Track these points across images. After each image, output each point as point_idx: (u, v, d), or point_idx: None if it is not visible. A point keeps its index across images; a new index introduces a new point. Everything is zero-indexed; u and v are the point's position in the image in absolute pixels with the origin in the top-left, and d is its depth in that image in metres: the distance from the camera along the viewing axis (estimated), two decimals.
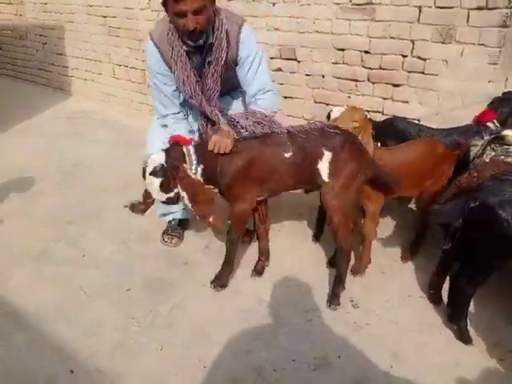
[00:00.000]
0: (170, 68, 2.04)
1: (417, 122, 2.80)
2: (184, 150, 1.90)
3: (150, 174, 1.83)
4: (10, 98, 5.68)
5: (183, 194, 1.84)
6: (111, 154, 3.76)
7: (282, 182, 2.02)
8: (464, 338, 1.86)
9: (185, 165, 1.86)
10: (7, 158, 3.68)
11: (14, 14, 6.19)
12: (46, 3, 5.58)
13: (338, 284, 2.08)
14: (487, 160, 2.10)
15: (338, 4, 3.03)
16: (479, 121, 2.40)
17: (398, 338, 1.89)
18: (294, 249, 2.49)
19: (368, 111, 3.07)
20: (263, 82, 2.10)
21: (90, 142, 4.13)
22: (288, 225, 2.72)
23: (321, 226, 2.55)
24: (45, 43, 5.87)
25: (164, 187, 1.85)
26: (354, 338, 1.87)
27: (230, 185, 1.95)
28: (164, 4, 1.83)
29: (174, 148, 1.91)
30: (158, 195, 1.88)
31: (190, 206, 1.86)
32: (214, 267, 2.27)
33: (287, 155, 1.95)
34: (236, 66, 2.08)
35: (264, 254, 2.31)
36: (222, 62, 2.01)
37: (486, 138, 2.15)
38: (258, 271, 2.27)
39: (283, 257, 2.42)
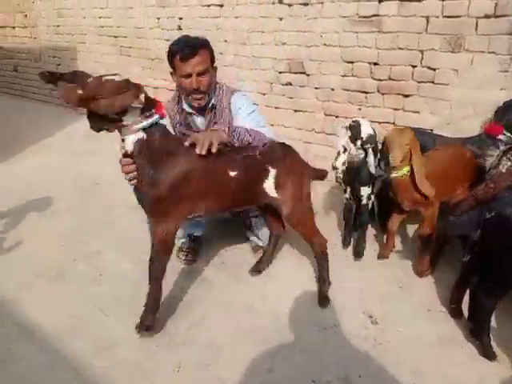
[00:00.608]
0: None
1: (429, 131, 2.80)
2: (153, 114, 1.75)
3: None
4: (25, 118, 5.82)
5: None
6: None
7: (222, 201, 1.93)
8: (487, 353, 1.82)
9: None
10: (25, 178, 3.76)
11: (28, 36, 6.37)
12: (58, 25, 5.73)
13: (324, 284, 2.17)
14: (503, 170, 2.08)
15: (344, 17, 3.05)
16: (489, 134, 2.39)
17: (418, 354, 1.85)
18: (308, 264, 2.47)
19: (379, 122, 3.08)
20: (258, 121, 2.19)
21: (105, 161, 4.15)
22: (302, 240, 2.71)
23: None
24: (58, 64, 6.01)
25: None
26: (374, 356, 1.84)
27: (160, 197, 1.75)
28: (172, 67, 2.11)
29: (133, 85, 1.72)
30: None
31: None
32: (230, 284, 2.29)
33: (232, 174, 1.87)
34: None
35: None
36: (226, 122, 2.17)
37: (502, 148, 2.13)
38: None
39: (298, 272, 2.42)
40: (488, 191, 1.89)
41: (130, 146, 1.73)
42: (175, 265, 2.48)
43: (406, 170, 2.08)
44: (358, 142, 2.17)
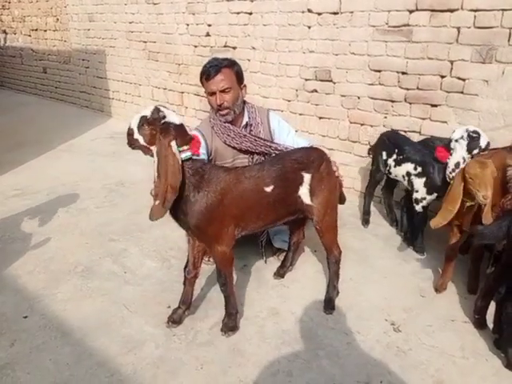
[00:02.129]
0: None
1: None
2: (187, 150, 1.76)
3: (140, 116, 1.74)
4: (54, 118, 5.99)
5: (155, 158, 1.71)
6: (152, 172, 3.85)
7: (265, 218, 1.95)
8: None
9: (174, 142, 1.68)
10: (55, 175, 3.88)
11: (59, 39, 6.57)
12: (89, 29, 5.89)
13: (332, 289, 2.17)
14: None
15: (374, 26, 3.06)
16: None
17: (441, 364, 1.83)
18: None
19: (405, 131, 3.07)
20: (306, 141, 2.45)
21: (131, 162, 4.26)
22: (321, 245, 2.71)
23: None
24: (87, 67, 6.17)
25: (144, 132, 1.72)
26: (397, 364, 1.83)
27: (201, 226, 1.80)
28: (203, 87, 2.27)
29: (184, 130, 1.75)
30: (135, 135, 1.75)
31: (155, 173, 1.71)
32: (252, 286, 2.31)
33: (268, 189, 1.89)
34: (272, 139, 2.38)
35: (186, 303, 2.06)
36: (262, 136, 2.30)
37: None
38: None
39: (320, 278, 2.42)
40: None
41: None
42: None
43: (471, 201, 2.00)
44: (475, 151, 2.20)
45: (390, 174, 2.70)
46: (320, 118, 3.58)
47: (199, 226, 1.80)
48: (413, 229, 2.66)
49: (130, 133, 1.78)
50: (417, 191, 2.50)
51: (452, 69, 2.79)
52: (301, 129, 3.72)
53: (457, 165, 2.22)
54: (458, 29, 2.71)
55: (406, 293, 2.30)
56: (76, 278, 2.40)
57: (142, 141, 1.75)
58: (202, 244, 1.97)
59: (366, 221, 2.99)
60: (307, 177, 1.95)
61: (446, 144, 2.31)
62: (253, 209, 1.90)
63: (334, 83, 3.40)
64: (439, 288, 2.29)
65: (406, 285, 2.37)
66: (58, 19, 6.44)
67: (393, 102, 3.11)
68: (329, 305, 2.15)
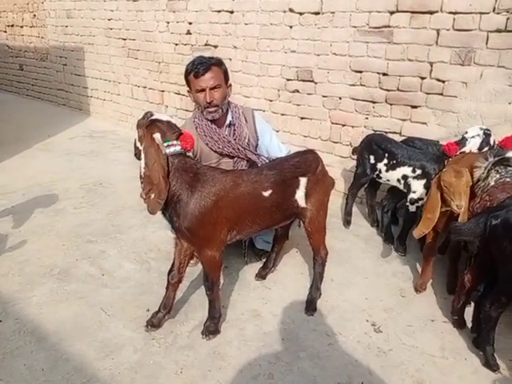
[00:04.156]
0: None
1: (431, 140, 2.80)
2: (176, 145, 1.74)
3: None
4: (31, 117, 5.85)
5: (142, 154, 1.71)
6: (131, 172, 3.75)
7: (261, 222, 1.94)
8: (491, 365, 1.81)
9: (157, 135, 1.68)
10: (32, 175, 3.78)
11: (36, 36, 6.41)
12: (66, 26, 5.77)
13: (315, 291, 2.17)
14: (492, 183, 2.07)
15: (355, 27, 3.07)
16: (502, 147, 2.40)
17: (421, 364, 1.84)
18: (311, 271, 2.45)
19: (386, 132, 3.09)
20: (287, 149, 2.49)
21: (110, 161, 4.20)
22: (304, 246, 2.71)
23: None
24: (65, 64, 6.04)
25: (139, 136, 1.77)
26: (378, 364, 1.83)
27: (193, 229, 1.76)
28: (188, 86, 2.26)
29: (171, 126, 1.75)
30: (137, 144, 1.79)
31: (141, 170, 1.71)
32: (234, 288, 2.28)
33: (266, 194, 1.88)
34: (257, 141, 2.41)
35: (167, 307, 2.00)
36: (246, 139, 2.31)
37: (491, 160, 2.12)
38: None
39: (302, 279, 2.41)
40: (485, 204, 1.90)
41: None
42: None
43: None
44: (486, 149, 2.27)
45: (380, 177, 2.71)
46: (302, 118, 3.57)
47: (191, 228, 1.76)
48: (402, 228, 2.68)
49: (135, 144, 1.81)
50: (414, 192, 2.51)
51: (432, 70, 2.82)
52: (282, 129, 3.72)
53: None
54: (438, 31, 2.73)
55: (386, 293, 2.31)
56: (52, 281, 2.33)
57: (140, 147, 1.76)
58: (190, 249, 1.94)
59: (347, 221, 2.99)
60: (303, 180, 1.97)
61: (460, 140, 2.33)
62: (249, 213, 1.88)
63: (316, 83, 3.40)
64: (419, 288, 2.31)
65: (387, 285, 2.38)
66: (34, 15, 6.28)
67: (374, 102, 3.13)
68: (310, 306, 2.14)
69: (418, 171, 2.47)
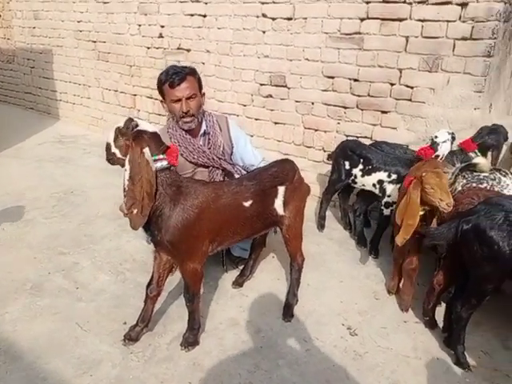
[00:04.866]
0: None
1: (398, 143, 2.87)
2: (163, 159, 1.72)
3: (115, 128, 1.74)
4: None
5: (127, 166, 1.65)
6: (103, 179, 3.73)
7: (242, 232, 1.96)
8: (461, 363, 1.89)
9: (147, 149, 1.65)
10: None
11: (1, 37, 6.20)
12: (34, 27, 5.61)
13: (292, 297, 2.20)
14: (459, 188, 2.15)
15: (327, 33, 3.12)
16: (462, 149, 2.51)
17: (396, 366, 1.90)
18: (287, 277, 2.48)
19: (357, 137, 3.15)
20: (261, 155, 2.55)
21: (82, 168, 4.12)
22: (281, 252, 2.73)
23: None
24: (32, 67, 5.87)
25: (120, 144, 1.72)
26: (354, 367, 1.88)
27: (175, 242, 1.76)
28: (162, 96, 2.25)
29: (158, 139, 1.73)
30: (111, 146, 1.75)
31: (125, 183, 1.67)
32: (211, 297, 2.28)
33: (247, 204, 1.90)
34: (232, 148, 2.41)
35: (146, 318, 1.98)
36: (221, 147, 2.31)
37: (458, 165, 2.20)
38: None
39: (278, 285, 2.44)
40: (451, 210, 1.96)
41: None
42: None
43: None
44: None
45: (356, 183, 2.75)
46: (275, 123, 3.60)
47: (173, 241, 1.75)
48: (376, 231, 2.74)
49: (107, 147, 1.76)
50: (389, 196, 2.57)
51: (401, 77, 2.89)
52: (256, 134, 3.74)
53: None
54: (407, 38, 2.81)
55: (361, 296, 2.37)
56: (24, 297, 2.27)
57: (118, 153, 1.73)
58: (169, 262, 1.93)
59: (321, 225, 3.04)
60: (282, 189, 2.00)
61: (431, 145, 2.40)
62: (230, 224, 1.90)
63: (289, 88, 3.43)
64: (391, 290, 2.37)
65: (361, 288, 2.44)
66: (0, 15, 6.08)
67: (345, 108, 3.19)
68: (288, 312, 2.17)
69: (394, 176, 2.54)
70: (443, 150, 2.37)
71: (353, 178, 2.74)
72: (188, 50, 4.02)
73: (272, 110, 3.59)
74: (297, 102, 3.42)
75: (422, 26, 2.74)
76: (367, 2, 2.90)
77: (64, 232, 2.92)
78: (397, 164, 2.54)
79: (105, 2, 4.58)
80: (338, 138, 3.26)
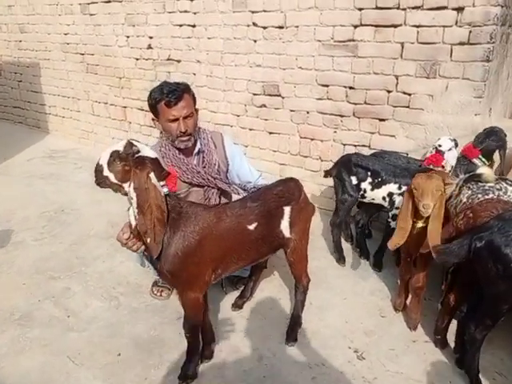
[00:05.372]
0: None
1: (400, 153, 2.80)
2: (163, 186, 1.63)
3: (111, 151, 1.59)
4: None
5: (133, 194, 1.56)
6: (95, 195, 3.58)
7: (247, 257, 1.85)
8: None
9: (152, 174, 1.56)
10: None
11: None
12: (20, 41, 5.49)
13: (296, 320, 2.10)
14: (464, 199, 2.06)
15: (320, 41, 3.04)
16: (465, 156, 2.44)
17: None
18: (288, 299, 2.40)
19: (355, 146, 3.07)
20: (257, 171, 2.47)
21: (73, 183, 4.00)
22: (281, 269, 2.64)
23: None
24: (20, 81, 5.75)
25: (116, 168, 1.57)
26: None
27: (176, 271, 1.67)
28: (155, 114, 2.12)
29: (160, 165, 1.64)
30: (103, 169, 1.60)
31: (134, 212, 1.59)
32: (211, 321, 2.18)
33: (252, 227, 1.79)
34: (227, 166, 2.31)
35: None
36: (216, 165, 2.22)
37: (462, 176, 2.12)
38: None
39: (279, 307, 2.34)
40: (468, 221, 1.88)
41: (131, 219, 1.63)
42: (151, 301, 2.35)
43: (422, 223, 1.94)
44: None
45: (365, 197, 2.60)
46: (270, 133, 3.51)
47: (173, 270, 1.65)
48: (381, 244, 2.64)
49: (98, 169, 1.62)
50: (397, 208, 2.43)
51: (398, 83, 2.81)
52: (251, 144, 3.65)
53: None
54: (402, 44, 2.73)
55: (366, 314, 2.27)
56: (13, 328, 2.15)
57: (112, 178, 1.60)
58: None
59: (341, 258, 2.73)
60: (288, 209, 1.89)
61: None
62: (234, 249, 1.78)
63: (283, 98, 3.35)
64: (398, 307, 2.28)
65: (366, 305, 2.35)
66: None
67: (342, 116, 3.10)
68: (291, 336, 2.06)
69: (404, 188, 2.41)
70: (450, 159, 2.29)
71: (362, 192, 2.58)
72: (178, 61, 3.92)
73: (266, 120, 3.50)
74: (291, 111, 3.34)
75: (418, 32, 2.66)
76: (360, 9, 2.82)
77: (54, 254, 2.80)
78: (406, 175, 2.41)
79: (91, 14, 4.48)
80: (335, 147, 3.19)
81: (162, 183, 1.62)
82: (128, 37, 4.26)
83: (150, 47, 4.11)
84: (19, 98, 5.88)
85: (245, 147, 3.70)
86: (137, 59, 4.28)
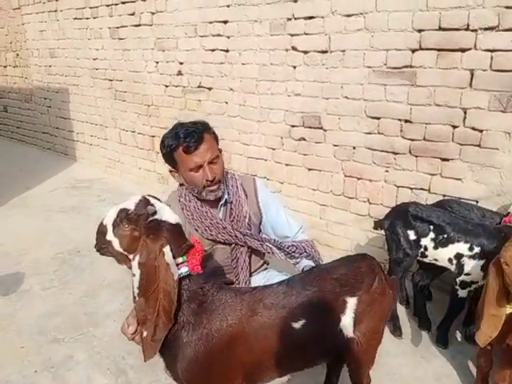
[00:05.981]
0: None
1: (474, 203, 2.34)
2: (183, 264, 1.23)
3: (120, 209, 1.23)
4: (11, 163, 5.40)
5: (136, 271, 1.19)
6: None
7: (290, 363, 1.36)
8: None
9: (168, 248, 1.18)
10: (0, 242, 3.26)
11: (19, 76, 6.05)
12: (50, 66, 5.39)
13: None
14: None
15: (370, 67, 2.63)
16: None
17: None
18: None
19: (411, 189, 2.62)
20: (299, 222, 1.94)
21: (93, 218, 3.65)
22: None
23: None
24: (49, 106, 5.64)
25: (122, 233, 1.21)
26: None
27: (195, 379, 1.25)
28: (172, 165, 1.73)
29: (181, 234, 1.26)
30: (109, 235, 1.24)
31: (135, 291, 1.20)
32: None
33: (297, 325, 1.30)
34: (261, 218, 1.87)
35: None
36: (246, 218, 1.79)
37: None
38: None
39: None
40: None
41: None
42: (160, 379, 1.95)
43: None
44: None
45: (426, 256, 2.14)
46: (309, 169, 3.10)
47: (191, 379, 1.22)
48: (446, 316, 2.16)
49: (101, 230, 1.26)
50: (467, 274, 2.00)
51: (466, 118, 2.36)
52: (287, 181, 3.25)
53: None
54: (472, 71, 2.29)
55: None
56: None
57: (116, 245, 1.23)
58: None
59: (397, 328, 2.25)
60: (352, 301, 1.35)
61: None
62: (273, 354, 1.28)
63: (325, 131, 2.94)
64: None
65: None
66: (17, 54, 5.92)
67: (395, 153, 2.66)
68: None
69: (477, 249, 1.96)
70: None
71: (422, 250, 2.12)
72: (209, 89, 3.61)
73: (305, 155, 3.10)
74: (335, 145, 2.92)
75: (492, 57, 2.22)
76: (419, 31, 2.41)
77: (62, 309, 2.46)
78: (481, 234, 1.94)
79: (120, 38, 4.27)
80: (387, 189, 2.73)
81: (180, 260, 1.21)
82: (157, 62, 4.01)
83: (180, 73, 3.83)
84: (48, 123, 5.76)
85: (280, 184, 3.31)
86: (166, 86, 4.01)
